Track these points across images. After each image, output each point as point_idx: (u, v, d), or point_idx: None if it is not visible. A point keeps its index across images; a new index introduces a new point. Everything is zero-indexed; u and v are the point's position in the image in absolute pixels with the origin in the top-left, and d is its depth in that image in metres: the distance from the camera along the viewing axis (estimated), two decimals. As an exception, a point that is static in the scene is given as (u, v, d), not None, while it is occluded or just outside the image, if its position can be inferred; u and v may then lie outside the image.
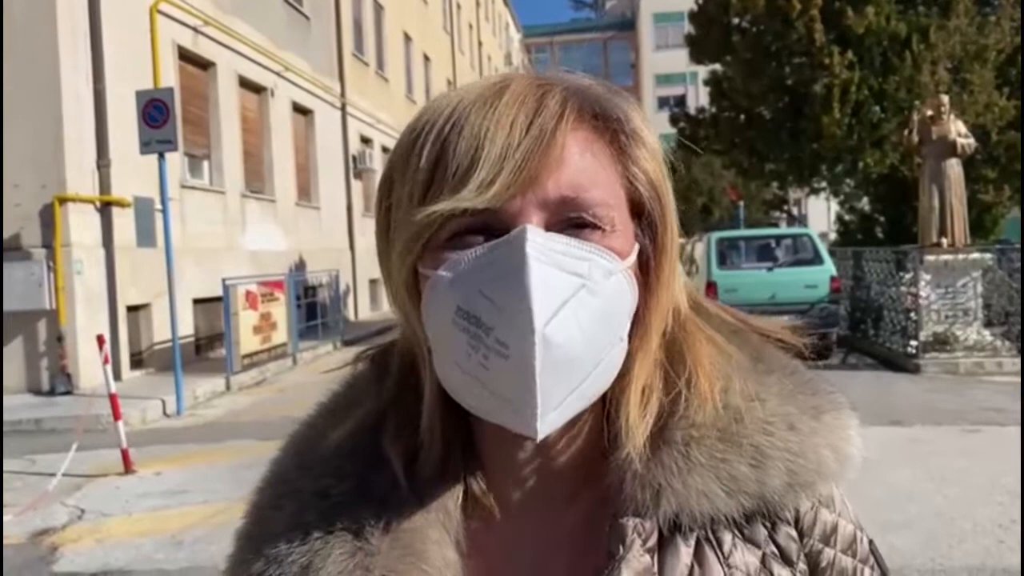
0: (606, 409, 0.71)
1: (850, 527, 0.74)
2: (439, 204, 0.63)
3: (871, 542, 0.76)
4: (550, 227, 0.64)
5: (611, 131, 0.68)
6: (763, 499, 0.69)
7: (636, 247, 0.69)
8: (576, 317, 0.62)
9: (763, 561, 0.70)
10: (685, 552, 0.68)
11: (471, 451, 0.74)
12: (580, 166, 0.65)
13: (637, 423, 0.69)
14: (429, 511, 0.71)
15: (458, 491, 0.73)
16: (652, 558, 0.67)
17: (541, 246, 0.62)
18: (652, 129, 0.71)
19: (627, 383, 0.70)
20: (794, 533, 0.71)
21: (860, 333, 13.44)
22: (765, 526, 0.71)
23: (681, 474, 0.68)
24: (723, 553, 0.69)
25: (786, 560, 0.71)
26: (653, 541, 0.68)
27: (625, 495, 0.68)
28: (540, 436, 0.63)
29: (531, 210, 0.64)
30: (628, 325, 0.69)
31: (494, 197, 0.62)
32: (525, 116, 0.64)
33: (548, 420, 0.63)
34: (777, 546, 0.71)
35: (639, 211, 0.70)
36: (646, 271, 0.70)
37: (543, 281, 0.61)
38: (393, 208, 0.68)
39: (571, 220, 0.65)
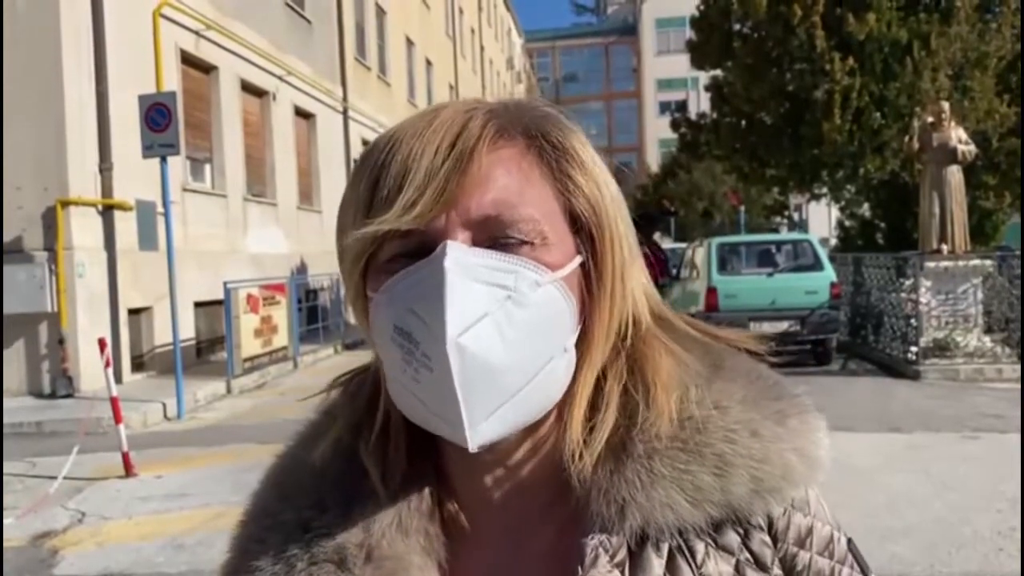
0: (561, 422, 0.72)
1: (826, 528, 0.74)
2: (367, 227, 0.67)
3: (850, 541, 0.76)
4: (477, 244, 0.67)
5: (537, 147, 0.70)
6: (730, 507, 0.69)
7: (577, 259, 0.71)
8: (500, 328, 0.64)
9: (737, 568, 0.70)
10: (657, 564, 0.68)
11: (443, 474, 0.76)
12: (503, 184, 0.67)
13: (579, 437, 0.70)
14: (410, 536, 0.72)
15: (435, 514, 0.74)
16: (622, 572, 0.68)
17: (460, 260, 0.64)
18: (589, 147, 0.73)
19: (571, 395, 0.71)
20: (767, 539, 0.71)
21: (860, 339, 13.44)
22: (738, 533, 0.70)
23: (644, 487, 0.68)
24: (696, 563, 0.69)
25: (760, 566, 0.70)
26: (622, 555, 0.68)
27: (591, 511, 0.69)
28: (473, 445, 0.65)
29: (456, 229, 0.66)
30: (572, 336, 0.70)
31: (417, 217, 0.65)
32: (449, 139, 0.67)
33: (480, 430, 0.65)
34: (751, 552, 0.71)
35: (578, 224, 0.72)
36: (590, 283, 0.72)
37: (459, 293, 0.63)
38: (343, 231, 0.72)
39: (496, 237, 0.67)
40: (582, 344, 0.71)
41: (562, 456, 0.71)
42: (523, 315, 0.66)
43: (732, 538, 0.70)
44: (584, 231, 0.72)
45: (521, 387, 0.66)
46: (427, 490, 0.74)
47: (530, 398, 0.67)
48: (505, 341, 0.64)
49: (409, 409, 0.68)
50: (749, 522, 0.71)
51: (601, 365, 0.73)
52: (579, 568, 0.67)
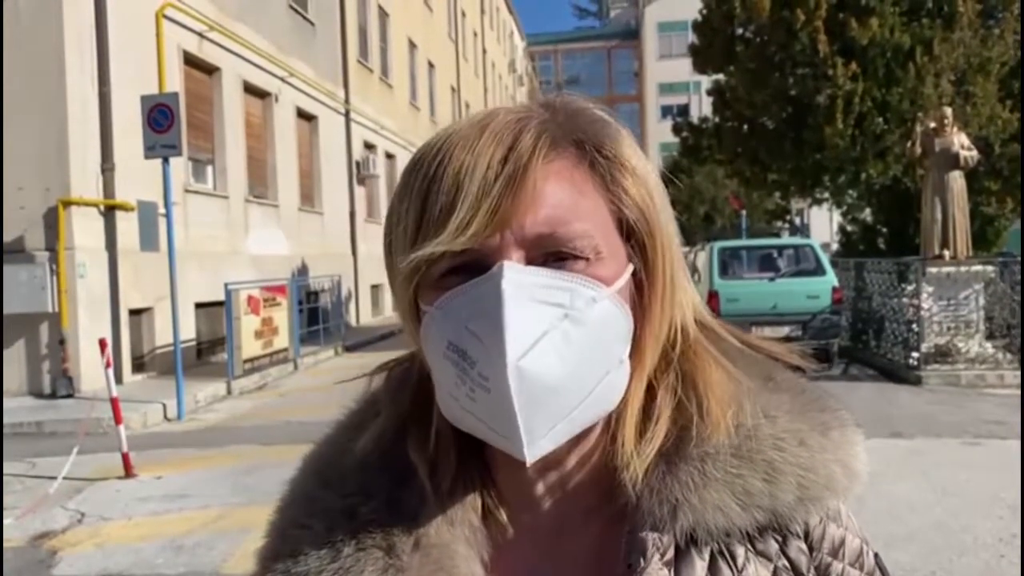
0: (611, 429, 0.73)
1: (856, 541, 0.76)
2: (423, 249, 0.66)
3: (876, 555, 0.78)
4: (532, 262, 0.66)
5: (591, 157, 0.70)
6: (775, 513, 0.71)
7: (629, 268, 0.71)
8: (557, 348, 0.64)
9: (775, 574, 0.72)
10: (700, 566, 0.70)
11: (487, 469, 0.76)
12: (556, 200, 0.67)
13: (632, 447, 0.70)
14: (455, 527, 0.72)
15: (479, 507, 0.74)
16: (669, 571, 0.69)
17: (516, 281, 0.64)
18: (638, 151, 0.73)
19: (624, 405, 0.71)
20: (804, 547, 0.73)
21: (861, 344, 13.43)
22: (776, 540, 0.72)
23: (697, 489, 0.70)
24: (736, 567, 0.70)
25: (797, 573, 0.72)
26: (670, 555, 0.70)
27: (643, 510, 0.70)
28: (530, 462, 0.65)
29: (510, 247, 0.66)
30: (627, 347, 0.70)
31: (471, 238, 0.65)
32: (501, 153, 0.66)
33: (537, 447, 0.65)
34: (788, 560, 0.72)
35: (629, 233, 0.71)
36: (641, 292, 0.72)
37: (518, 315, 0.63)
38: (393, 246, 0.71)
39: (552, 254, 0.67)
40: (634, 353, 0.72)
41: (609, 461, 0.72)
42: (580, 333, 0.66)
43: (771, 544, 0.72)
44: (635, 239, 0.72)
45: (579, 403, 0.66)
46: (473, 486, 0.75)
47: (587, 412, 0.68)
48: (563, 360, 0.64)
49: (463, 422, 0.69)
50: (788, 529, 0.72)
51: (652, 374, 0.74)
52: (639, 560, 0.69)
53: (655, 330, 0.72)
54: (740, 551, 0.71)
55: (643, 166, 0.72)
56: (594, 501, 0.74)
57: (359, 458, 0.75)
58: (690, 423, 0.72)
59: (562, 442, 0.67)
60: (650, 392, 0.73)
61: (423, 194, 0.67)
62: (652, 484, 0.70)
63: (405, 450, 0.74)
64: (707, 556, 0.70)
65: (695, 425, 0.71)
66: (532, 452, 0.64)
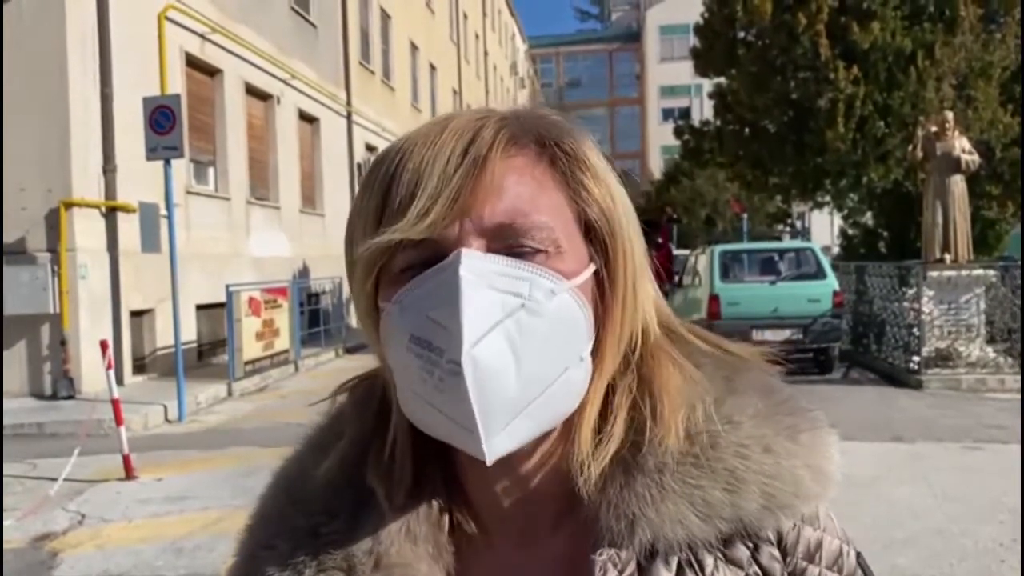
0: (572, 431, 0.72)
1: (835, 542, 0.74)
2: (380, 237, 0.66)
3: (859, 555, 0.76)
4: (492, 253, 0.66)
5: (550, 155, 0.70)
6: (740, 522, 0.69)
7: (591, 267, 0.70)
8: (511, 337, 0.63)
9: None
10: None
11: (455, 483, 0.75)
12: (516, 192, 0.67)
13: (588, 450, 0.69)
14: (418, 544, 0.71)
15: (444, 522, 0.73)
16: None
17: (474, 268, 0.64)
18: (599, 153, 0.72)
19: (581, 406, 0.70)
20: (777, 553, 0.71)
21: (862, 348, 13.43)
22: (747, 547, 0.70)
23: (655, 502, 0.68)
24: None
25: None
26: (631, 570, 0.68)
27: (600, 526, 0.69)
28: (490, 459, 0.64)
29: (470, 237, 0.65)
30: (587, 345, 0.69)
31: (430, 226, 0.65)
32: (461, 147, 0.66)
33: (496, 443, 0.64)
34: (760, 567, 0.70)
35: (591, 232, 0.71)
36: (603, 292, 0.71)
37: (474, 302, 0.62)
38: (353, 241, 0.71)
39: (510, 246, 0.66)
40: (594, 355, 0.71)
41: (571, 466, 0.71)
42: (538, 324, 0.65)
43: (742, 552, 0.70)
44: (597, 239, 0.71)
45: (536, 397, 0.65)
46: (435, 498, 0.74)
47: (545, 408, 0.66)
48: (519, 350, 0.64)
49: (425, 421, 0.67)
50: (759, 536, 0.71)
51: (611, 376, 0.72)
52: None
53: (616, 331, 0.71)
54: (709, 560, 0.69)
55: (604, 167, 0.72)
56: (559, 509, 0.73)
57: (324, 474, 0.75)
58: (644, 426, 0.71)
59: (524, 441, 0.66)
60: (609, 395, 0.72)
61: (384, 188, 0.68)
62: (610, 498, 0.69)
63: (365, 473, 0.74)
64: (674, 567, 0.69)
65: (648, 428, 0.70)
66: (491, 447, 0.63)
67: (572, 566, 0.71)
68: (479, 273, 0.64)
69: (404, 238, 0.65)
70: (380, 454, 0.74)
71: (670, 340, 0.76)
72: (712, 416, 0.71)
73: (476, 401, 0.62)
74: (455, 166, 0.65)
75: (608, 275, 0.71)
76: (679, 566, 0.69)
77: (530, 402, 0.65)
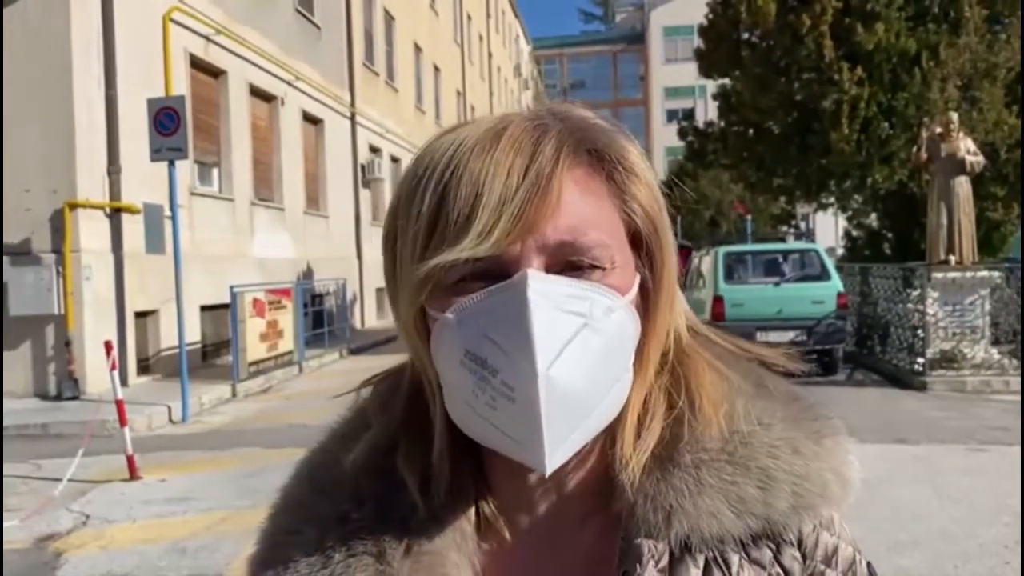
0: (609, 434, 0.73)
1: (849, 549, 0.76)
2: (440, 256, 0.65)
3: (869, 564, 0.78)
4: (550, 269, 0.66)
5: (607, 167, 0.70)
6: (769, 520, 0.71)
7: (638, 279, 0.71)
8: (578, 357, 0.64)
9: None
10: (695, 573, 0.70)
11: (482, 475, 0.76)
12: (577, 209, 0.67)
13: (631, 450, 0.71)
14: (446, 534, 0.72)
15: (471, 514, 0.74)
16: None
17: (541, 290, 0.64)
18: (648, 162, 0.73)
19: (624, 411, 0.71)
20: (798, 555, 0.73)
21: (867, 349, 13.41)
22: (770, 548, 0.72)
23: (692, 496, 0.70)
24: (731, 574, 0.70)
25: None
26: (665, 562, 0.70)
27: (637, 517, 0.70)
28: (549, 472, 0.65)
29: (531, 255, 0.65)
30: (632, 356, 0.71)
31: (493, 245, 0.64)
32: (522, 161, 0.65)
33: (556, 457, 0.65)
34: (782, 567, 0.72)
35: (638, 243, 0.72)
36: (646, 300, 0.72)
37: (545, 324, 0.63)
38: (398, 255, 0.70)
39: (570, 263, 0.67)
40: (638, 360, 0.72)
41: (606, 466, 0.73)
42: (598, 342, 0.65)
43: (765, 552, 0.72)
44: (643, 247, 0.72)
45: (593, 411, 0.66)
46: (467, 492, 0.74)
47: (596, 422, 0.68)
48: (583, 369, 0.64)
49: (477, 431, 0.68)
50: (782, 537, 0.72)
51: (657, 379, 0.74)
52: (635, 567, 0.69)
53: (659, 337, 0.73)
54: (734, 559, 0.70)
55: (650, 173, 0.73)
56: (590, 506, 0.75)
57: (353, 463, 0.75)
58: (682, 422, 0.72)
59: (577, 451, 0.67)
60: (647, 395, 0.74)
61: (438, 198, 0.66)
62: (647, 491, 0.70)
63: (395, 460, 0.74)
64: (701, 563, 0.70)
65: (687, 423, 0.72)
66: (552, 462, 0.64)
67: (599, 561, 0.73)
68: (546, 295, 0.64)
69: (465, 257, 0.64)
70: (413, 446, 0.74)
71: (698, 342, 0.78)
72: (748, 415, 0.73)
73: (547, 422, 0.62)
74: (517, 183, 0.65)
75: (653, 282, 0.73)
76: (706, 563, 0.70)
77: (587, 417, 0.66)
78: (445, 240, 0.65)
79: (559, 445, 0.64)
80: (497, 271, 0.65)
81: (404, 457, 0.74)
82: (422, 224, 0.67)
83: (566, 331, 0.64)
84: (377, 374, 0.82)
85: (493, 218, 0.64)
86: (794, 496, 0.71)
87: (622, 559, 0.70)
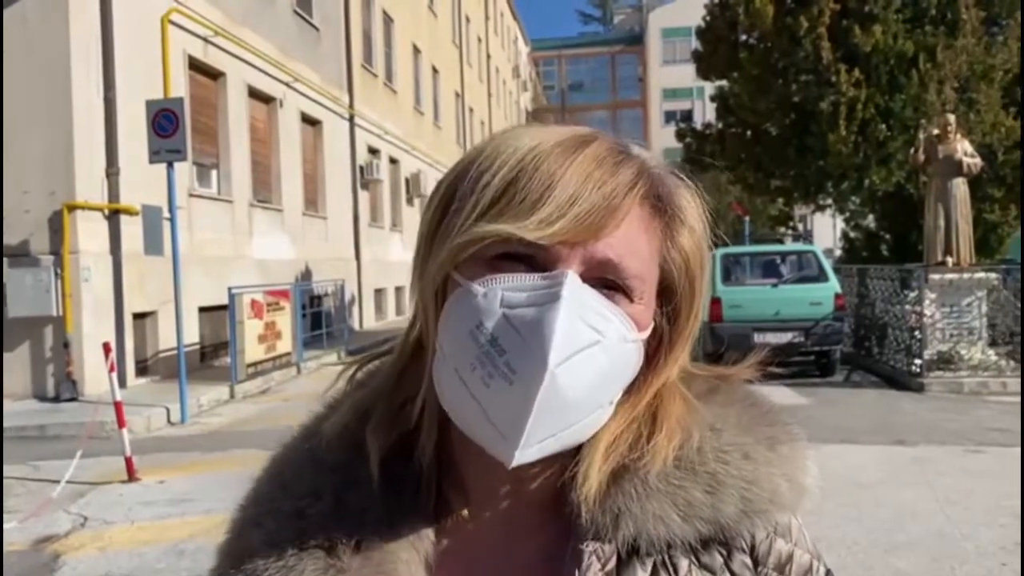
0: (576, 452, 0.74)
1: (806, 556, 0.76)
2: (501, 224, 0.67)
3: (828, 572, 0.78)
4: (585, 280, 0.68)
5: (665, 218, 0.73)
6: (718, 525, 0.72)
7: (651, 325, 0.73)
8: (583, 368, 0.66)
9: None
10: None
11: (449, 473, 0.77)
12: (632, 238, 0.70)
13: (596, 470, 0.72)
14: (400, 531, 0.73)
15: (429, 510, 0.75)
16: None
17: (575, 294, 0.66)
18: (703, 217, 0.76)
19: (600, 434, 0.72)
20: (749, 561, 0.73)
21: (864, 351, 13.42)
22: (721, 553, 0.73)
23: (639, 499, 0.71)
24: None
25: None
26: (612, 565, 0.71)
27: (586, 519, 0.71)
28: (512, 464, 0.66)
29: (575, 260, 0.68)
30: (620, 392, 0.72)
31: (552, 235, 0.66)
32: (601, 175, 0.68)
33: (526, 453, 0.66)
34: (732, 573, 0.73)
35: (667, 294, 0.74)
36: (656, 348, 0.74)
37: (567, 326, 0.64)
38: (451, 212, 0.71)
39: (606, 281, 0.69)
40: (630, 396, 0.74)
41: (562, 476, 0.73)
42: (602, 363, 0.67)
43: (715, 558, 0.73)
44: (671, 302, 0.75)
45: (573, 424, 0.67)
46: (423, 477, 0.75)
47: (571, 436, 0.69)
48: (583, 381, 0.66)
49: (456, 404, 0.69)
50: (733, 543, 0.73)
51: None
52: (575, 571, 0.70)
53: (662, 379, 0.75)
54: (684, 563, 0.71)
55: (704, 232, 0.76)
56: (546, 515, 0.76)
57: (317, 455, 0.77)
58: (638, 446, 0.73)
59: (544, 456, 0.68)
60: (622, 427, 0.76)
61: (511, 176, 0.68)
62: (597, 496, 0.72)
63: (357, 454, 0.75)
64: (649, 567, 0.71)
65: (642, 450, 0.73)
66: (520, 456, 0.65)
67: (552, 561, 0.73)
68: (578, 301, 0.66)
69: (522, 236, 0.66)
70: (384, 415, 0.76)
71: (679, 376, 0.79)
72: (702, 422, 0.75)
73: (534, 415, 0.64)
74: (591, 190, 0.67)
75: (671, 336, 0.75)
76: (654, 567, 0.71)
77: (567, 428, 0.67)
78: (505, 215, 0.67)
79: (534, 443, 0.65)
80: (538, 261, 0.67)
81: (374, 425, 0.75)
82: (488, 194, 0.68)
83: (580, 341, 0.65)
84: (352, 361, 0.83)
85: (559, 212, 0.66)
86: (743, 501, 0.72)
87: (568, 561, 0.71)
